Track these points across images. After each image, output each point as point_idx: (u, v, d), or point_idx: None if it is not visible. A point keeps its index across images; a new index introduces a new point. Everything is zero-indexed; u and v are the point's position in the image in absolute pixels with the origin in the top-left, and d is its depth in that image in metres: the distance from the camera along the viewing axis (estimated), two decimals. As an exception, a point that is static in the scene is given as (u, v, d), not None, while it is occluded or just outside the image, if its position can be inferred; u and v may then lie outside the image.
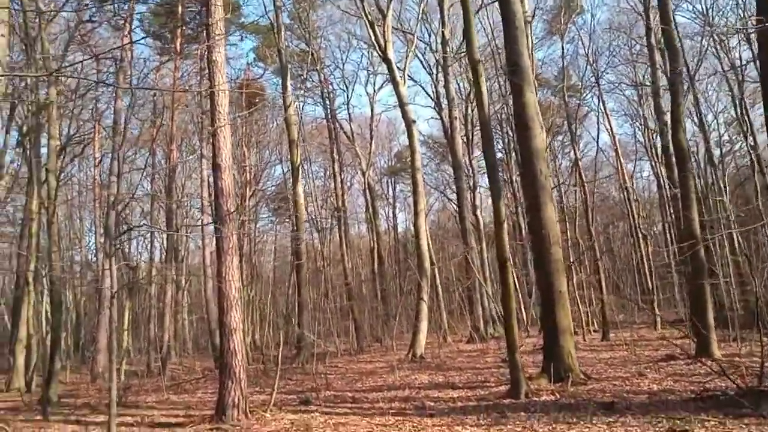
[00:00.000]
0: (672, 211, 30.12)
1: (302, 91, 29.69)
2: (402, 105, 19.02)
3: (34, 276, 17.20)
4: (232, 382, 8.14)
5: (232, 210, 8.74)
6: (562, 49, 23.41)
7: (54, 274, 12.49)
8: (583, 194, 21.34)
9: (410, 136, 18.66)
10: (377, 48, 19.42)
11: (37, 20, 14.52)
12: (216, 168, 8.90)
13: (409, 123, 18.61)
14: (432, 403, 8.55)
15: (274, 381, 9.38)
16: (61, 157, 24.48)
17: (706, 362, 8.64)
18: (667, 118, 15.32)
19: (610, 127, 25.43)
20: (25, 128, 19.97)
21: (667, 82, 15.30)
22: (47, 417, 9.72)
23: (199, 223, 23.58)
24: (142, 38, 27.14)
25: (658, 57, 18.08)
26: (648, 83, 26.98)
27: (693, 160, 20.28)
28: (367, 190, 31.79)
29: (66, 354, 24.53)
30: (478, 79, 8.90)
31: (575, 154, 22.47)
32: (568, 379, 8.64)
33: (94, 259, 31.29)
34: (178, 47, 24.62)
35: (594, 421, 6.31)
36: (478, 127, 32.82)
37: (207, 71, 10.25)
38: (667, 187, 20.84)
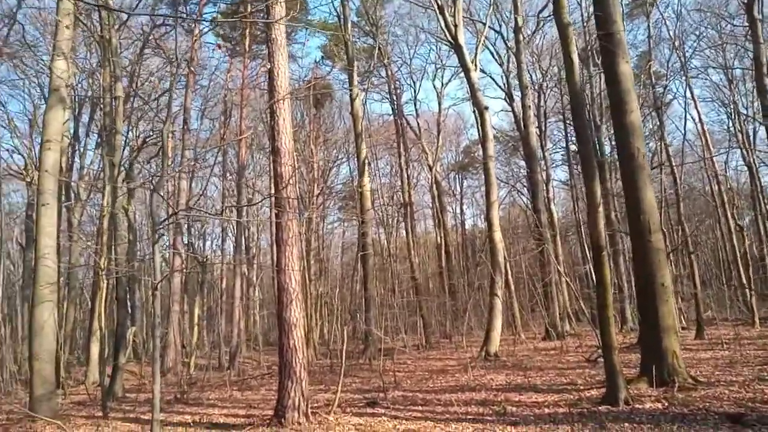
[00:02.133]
0: (766, 203, 28.07)
1: (369, 87, 29.25)
2: (473, 91, 18.19)
3: (106, 272, 17.52)
4: (291, 382, 7.49)
5: (292, 197, 8.16)
6: (648, 29, 21.58)
7: (118, 269, 12.45)
8: (674, 181, 19.54)
9: (482, 122, 17.68)
10: (447, 33, 18.53)
11: (109, 21, 14.64)
12: (275, 153, 8.34)
13: (481, 109, 17.68)
14: (514, 408, 7.62)
15: (339, 380, 8.73)
16: (135, 156, 25.24)
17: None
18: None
19: (698, 113, 23.29)
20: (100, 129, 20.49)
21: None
22: (107, 414, 9.53)
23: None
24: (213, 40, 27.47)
25: (761, 29, 16.25)
26: (738, 67, 24.87)
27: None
28: (434, 186, 30.98)
29: (142, 348, 25.21)
30: (568, 44, 7.88)
31: (663, 139, 20.62)
32: (674, 384, 7.47)
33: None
34: (247, 46, 24.83)
35: (721, 437, 5.21)
36: (552, 118, 31.87)
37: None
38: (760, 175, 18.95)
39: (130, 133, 23.53)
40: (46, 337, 9.65)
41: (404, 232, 31.97)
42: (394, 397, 9.56)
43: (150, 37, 20.18)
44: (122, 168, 23.31)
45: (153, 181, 7.62)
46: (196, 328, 25.91)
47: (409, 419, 7.58)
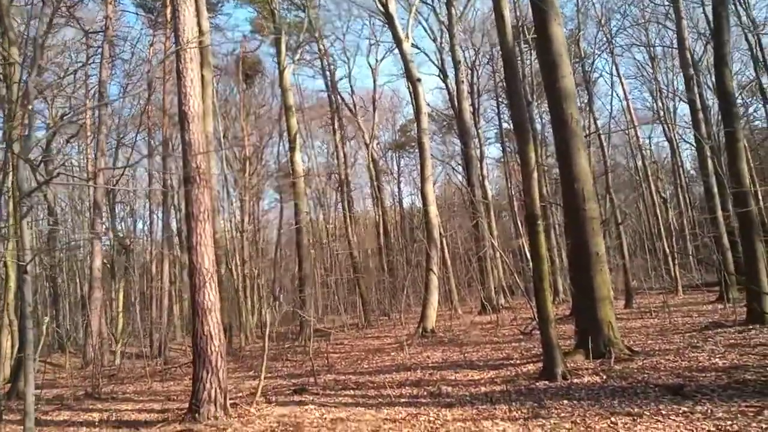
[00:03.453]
0: (686, 176, 29.44)
1: (301, 61, 28.17)
2: (406, 63, 17.71)
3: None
4: (207, 372, 6.73)
5: (202, 167, 7.33)
6: (577, 2, 21.68)
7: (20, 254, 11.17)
8: (603, 156, 19.88)
9: (416, 95, 17.20)
10: (378, 3, 17.87)
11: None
12: (183, 118, 7.43)
13: (414, 81, 17.21)
14: (450, 388, 7.24)
15: (262, 366, 8.06)
16: (52, 134, 23.30)
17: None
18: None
19: (624, 90, 23.77)
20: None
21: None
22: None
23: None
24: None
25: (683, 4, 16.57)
26: (660, 45, 25.65)
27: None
28: (371, 164, 30.47)
29: (68, 339, 23.56)
30: (499, 3, 7.40)
31: (591, 112, 20.88)
32: (611, 355, 7.30)
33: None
34: (168, 16, 23.20)
35: (663, 411, 4.93)
36: (484, 96, 31.92)
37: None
38: (680, 149, 19.56)
39: (47, 111, 21.67)
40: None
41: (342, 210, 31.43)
42: (325, 382, 9.02)
43: (60, 5, 18.36)
44: (40, 146, 21.45)
45: (16, 145, 6.57)
46: (121, 316, 24.43)
47: (338, 406, 7.05)
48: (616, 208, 18.63)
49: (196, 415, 6.59)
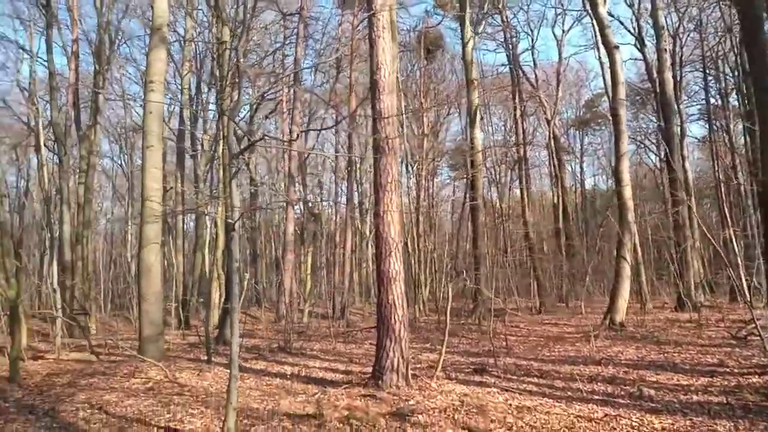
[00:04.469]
0: None
1: (482, 34, 27.38)
2: (602, 28, 16.12)
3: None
4: (390, 341, 6.77)
5: (392, 137, 7.29)
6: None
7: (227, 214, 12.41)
8: None
9: (612, 63, 15.61)
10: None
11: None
12: (374, 87, 7.47)
13: (611, 48, 15.62)
14: (652, 391, 6.39)
15: (443, 341, 7.91)
16: (254, 111, 25.82)
17: None
18: None
19: None
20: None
21: None
22: (210, 359, 9.53)
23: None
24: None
25: None
26: None
27: None
28: (552, 141, 28.79)
29: (264, 295, 26.32)
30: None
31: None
32: None
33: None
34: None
35: None
36: (688, 68, 28.04)
37: None
38: None
39: (249, 90, 24.02)
40: (153, 279, 9.78)
41: (518, 190, 30.30)
42: (505, 365, 8.64)
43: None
44: (244, 122, 23.96)
45: (227, 109, 7.09)
46: (309, 278, 26.47)
47: (523, 393, 6.65)
48: None
49: (379, 381, 6.67)
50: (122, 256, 28.25)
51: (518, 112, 28.55)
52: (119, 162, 32.46)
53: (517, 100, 28.46)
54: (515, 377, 7.72)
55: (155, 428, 5.81)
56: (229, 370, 5.16)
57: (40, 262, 24.35)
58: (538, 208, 38.15)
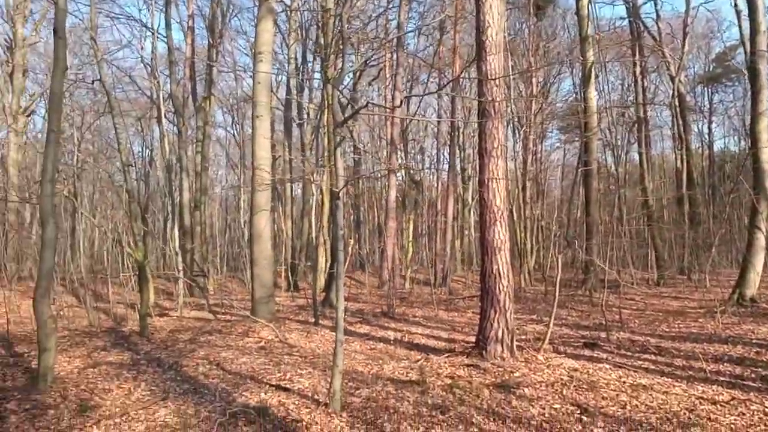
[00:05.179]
0: None
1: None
2: (742, -31, 14.28)
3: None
4: (495, 311, 6.54)
5: (499, 100, 6.89)
6: None
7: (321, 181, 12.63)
8: None
9: (753, 9, 13.80)
10: None
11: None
12: (480, 48, 7.07)
13: (751, -9, 13.77)
14: (793, 376, 5.71)
15: (551, 313, 7.53)
16: (358, 78, 26.01)
17: None
18: None
19: None
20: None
21: None
22: (317, 321, 9.83)
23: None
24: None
25: None
26: None
27: None
28: (676, 100, 26.31)
29: (368, 260, 26.93)
30: None
31: None
32: None
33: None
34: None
35: None
36: None
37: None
38: None
39: (353, 57, 24.15)
40: (264, 244, 10.22)
41: (636, 154, 28.19)
42: (619, 340, 8.11)
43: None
44: (347, 89, 24.23)
45: (331, 77, 7.00)
46: (410, 245, 26.65)
47: (638, 370, 6.19)
48: None
49: (483, 352, 6.52)
50: (236, 222, 30.01)
51: (638, 69, 26.36)
52: (232, 132, 34.21)
53: (637, 56, 26.27)
54: (630, 353, 7.22)
55: (267, 386, 6.07)
56: (335, 333, 5.23)
57: (163, 227, 26.47)
58: (659, 173, 35.37)
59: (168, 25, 18.14)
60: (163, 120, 17.41)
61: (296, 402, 5.42)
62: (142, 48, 27.75)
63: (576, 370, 6.29)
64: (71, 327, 10.26)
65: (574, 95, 31.31)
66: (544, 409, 5.08)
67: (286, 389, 5.89)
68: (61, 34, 6.60)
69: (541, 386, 5.73)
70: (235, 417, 4.95)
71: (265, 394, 5.74)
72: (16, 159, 21.25)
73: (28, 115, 23.48)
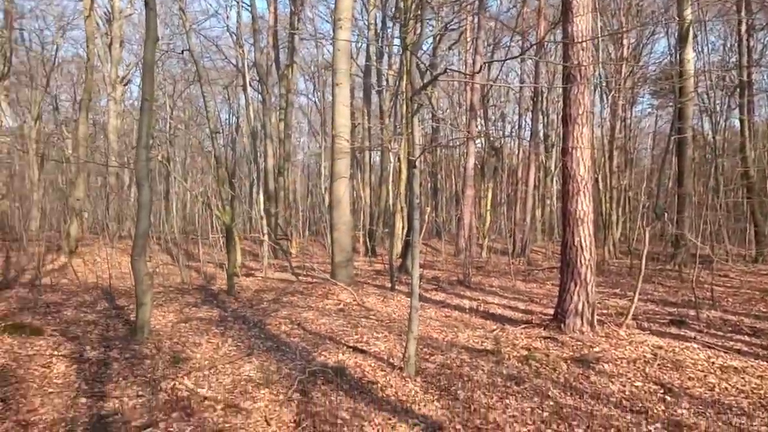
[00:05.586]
0: None
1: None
2: None
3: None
4: (575, 284, 6.36)
5: (585, 63, 6.55)
6: None
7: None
8: None
9: None
10: None
11: None
12: (566, 8, 6.72)
13: None
14: None
15: (636, 287, 7.22)
16: (437, 43, 25.51)
17: None
18: None
19: None
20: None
21: None
22: (393, 287, 9.97)
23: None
24: None
25: None
26: None
27: None
28: (788, 58, 23.95)
29: (444, 228, 26.90)
30: None
31: None
32: None
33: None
34: None
35: None
36: None
37: None
38: None
39: (433, 21, 23.69)
40: (343, 210, 10.46)
41: (737, 120, 26.03)
42: (709, 318, 7.69)
43: None
44: (426, 55, 23.87)
45: (410, 43, 6.89)
46: (488, 213, 26.30)
47: (729, 351, 5.85)
48: None
49: (561, 325, 6.39)
50: (317, 188, 30.72)
51: (744, 27, 24.11)
52: (313, 99, 34.76)
53: (743, 12, 24.00)
54: (721, 333, 6.84)
55: (344, 347, 6.29)
56: (410, 299, 5.31)
57: (249, 191, 27.59)
58: (762, 141, 32.57)
59: (252, -7, 18.53)
60: (248, 88, 17.93)
61: (372, 364, 5.59)
62: (227, 17, 28.59)
63: (660, 347, 6.04)
64: (165, 284, 11.02)
65: (668, 57, 29.16)
66: (624, 386, 4.94)
67: (362, 351, 6.08)
68: (152, 6, 6.90)
69: (622, 362, 5.56)
70: (314, 375, 5.17)
71: (343, 354, 5.95)
72: (116, 126, 22.74)
73: (125, 84, 24.96)
